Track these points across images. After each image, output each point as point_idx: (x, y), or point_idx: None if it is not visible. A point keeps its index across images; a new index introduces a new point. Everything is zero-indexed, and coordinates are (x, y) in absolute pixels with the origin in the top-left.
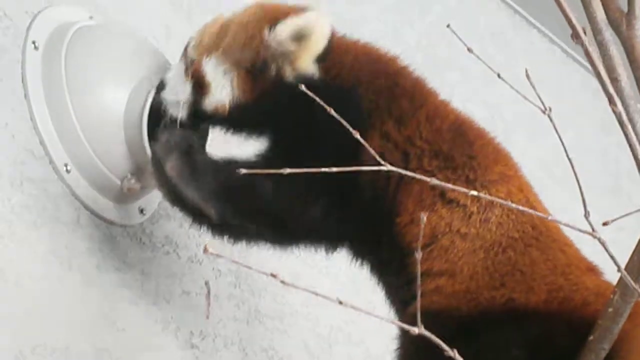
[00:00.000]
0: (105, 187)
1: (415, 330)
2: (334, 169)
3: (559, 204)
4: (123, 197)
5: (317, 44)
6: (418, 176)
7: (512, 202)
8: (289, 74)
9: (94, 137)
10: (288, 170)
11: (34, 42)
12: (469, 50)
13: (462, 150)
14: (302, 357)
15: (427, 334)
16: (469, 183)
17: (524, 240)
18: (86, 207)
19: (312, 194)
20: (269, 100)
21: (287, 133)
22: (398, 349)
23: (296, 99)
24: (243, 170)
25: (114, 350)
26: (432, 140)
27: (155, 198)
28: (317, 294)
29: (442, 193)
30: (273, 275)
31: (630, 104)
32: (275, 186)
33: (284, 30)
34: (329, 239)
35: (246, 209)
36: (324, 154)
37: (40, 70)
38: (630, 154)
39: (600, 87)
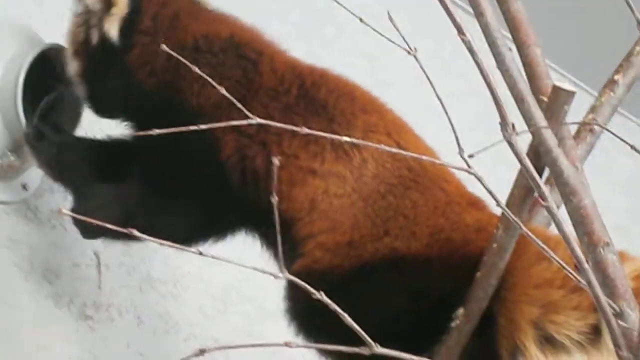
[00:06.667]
0: None
1: (280, 275)
2: (203, 126)
3: (444, 145)
4: (4, 174)
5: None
6: (288, 127)
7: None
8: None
9: None
10: (157, 131)
11: None
12: None
13: (318, 116)
14: (198, 319)
15: (292, 278)
16: (336, 148)
17: (403, 184)
18: None
19: (183, 206)
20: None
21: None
22: (288, 309)
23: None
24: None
25: (7, 328)
26: (285, 120)
27: (37, 173)
28: (177, 247)
29: (312, 170)
30: (130, 231)
31: (498, 38)
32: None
33: None
34: (217, 234)
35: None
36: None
37: None
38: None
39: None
